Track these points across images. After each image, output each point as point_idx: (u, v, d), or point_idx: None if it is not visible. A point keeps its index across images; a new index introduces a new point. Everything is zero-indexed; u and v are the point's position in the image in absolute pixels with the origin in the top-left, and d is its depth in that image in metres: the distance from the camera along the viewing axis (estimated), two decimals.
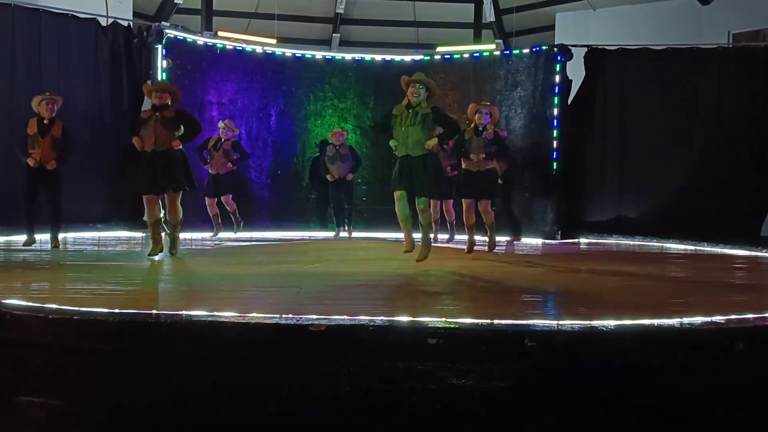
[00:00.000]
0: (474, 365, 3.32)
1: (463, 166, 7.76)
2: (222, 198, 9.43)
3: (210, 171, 9.28)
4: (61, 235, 8.11)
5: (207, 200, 9.41)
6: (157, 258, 6.90)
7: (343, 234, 10.12)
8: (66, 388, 3.49)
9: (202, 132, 7.50)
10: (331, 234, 10.30)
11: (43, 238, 8.13)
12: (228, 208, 9.49)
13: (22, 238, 8.07)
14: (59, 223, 7.93)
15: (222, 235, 9.67)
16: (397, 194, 6.34)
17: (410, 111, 6.24)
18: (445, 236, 9.72)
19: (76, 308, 3.81)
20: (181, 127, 6.91)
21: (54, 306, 3.87)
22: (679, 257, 8.71)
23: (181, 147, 6.92)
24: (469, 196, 7.69)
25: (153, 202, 6.94)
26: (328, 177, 9.97)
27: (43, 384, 3.51)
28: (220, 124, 9.52)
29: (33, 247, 7.95)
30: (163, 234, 7.20)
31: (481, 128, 7.66)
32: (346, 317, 3.66)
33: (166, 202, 7.04)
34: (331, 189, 10.08)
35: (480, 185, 7.61)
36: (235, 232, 9.64)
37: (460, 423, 3.33)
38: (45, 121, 7.64)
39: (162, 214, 7.31)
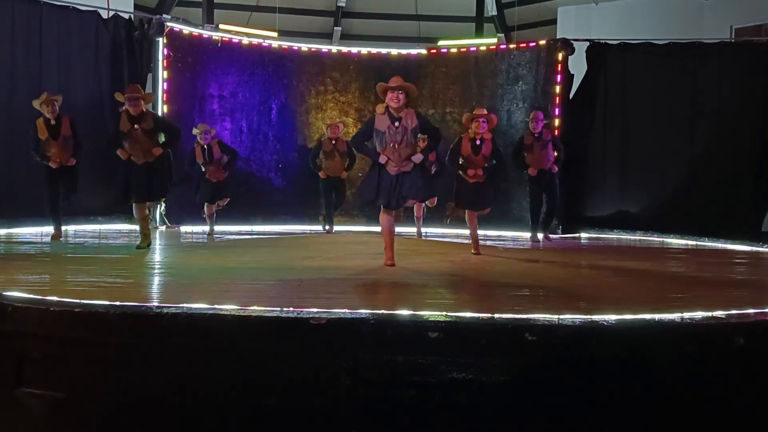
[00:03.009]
0: (474, 359, 3.33)
1: (460, 174, 7.49)
2: (220, 201, 9.27)
3: (210, 179, 8.97)
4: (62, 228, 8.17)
5: (206, 205, 9.23)
6: (147, 249, 7.13)
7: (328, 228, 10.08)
8: (66, 379, 3.50)
9: (182, 133, 7.76)
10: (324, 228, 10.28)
11: (46, 231, 8.19)
12: (216, 207, 9.29)
13: (25, 230, 8.13)
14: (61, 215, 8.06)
15: (218, 228, 9.60)
16: (385, 208, 6.18)
17: (397, 125, 5.99)
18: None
19: (77, 300, 3.82)
20: (162, 134, 7.14)
21: (55, 298, 3.89)
22: (680, 252, 8.72)
23: (162, 151, 7.10)
24: (468, 207, 7.53)
25: (143, 205, 7.26)
26: (320, 174, 9.90)
27: (44, 376, 3.52)
28: (195, 131, 9.09)
29: (34, 239, 8.00)
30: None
31: (479, 141, 7.38)
32: (347, 311, 3.67)
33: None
34: (323, 185, 10.01)
35: (477, 197, 7.43)
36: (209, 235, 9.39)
37: (460, 416, 3.34)
38: (52, 122, 7.64)
39: (149, 212, 7.52)
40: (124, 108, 7.04)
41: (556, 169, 9.05)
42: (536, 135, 8.94)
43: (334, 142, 9.85)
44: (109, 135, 7.33)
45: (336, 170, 9.85)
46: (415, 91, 6.26)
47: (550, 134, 9.21)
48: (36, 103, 7.73)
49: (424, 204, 9.09)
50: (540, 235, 9.26)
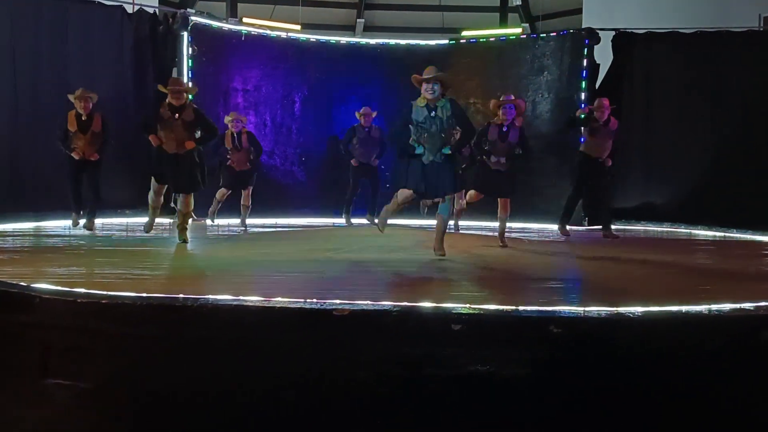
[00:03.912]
0: (498, 352, 3.31)
1: (483, 159, 7.44)
2: (243, 192, 9.30)
3: (233, 167, 9.01)
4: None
5: (223, 190, 9.21)
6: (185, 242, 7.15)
7: (363, 221, 10.07)
8: (93, 370, 3.54)
9: (218, 134, 7.84)
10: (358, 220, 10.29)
11: (69, 224, 8.32)
12: (243, 203, 9.34)
13: (52, 223, 8.37)
14: (96, 209, 8.18)
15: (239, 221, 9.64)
16: (409, 192, 6.20)
17: (433, 115, 6.04)
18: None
19: (104, 292, 3.86)
20: (198, 128, 7.14)
21: (82, 290, 3.93)
22: (707, 244, 8.60)
23: (194, 146, 7.11)
24: (489, 194, 7.46)
25: (161, 191, 7.27)
26: (353, 162, 9.93)
27: (70, 366, 3.57)
28: (227, 119, 9.12)
29: (62, 232, 8.15)
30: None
31: (506, 127, 7.31)
32: (370, 302, 3.67)
33: (180, 196, 7.24)
34: (354, 174, 10.02)
35: (500, 183, 7.35)
36: (240, 230, 9.38)
37: (483, 409, 3.32)
38: (83, 117, 7.77)
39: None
40: (168, 100, 7.06)
41: (610, 162, 8.60)
42: (602, 123, 8.49)
43: (367, 129, 9.89)
44: (143, 117, 7.33)
45: (367, 157, 9.87)
46: (450, 80, 6.28)
47: (617, 124, 8.67)
48: (71, 97, 7.88)
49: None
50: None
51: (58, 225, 8.74)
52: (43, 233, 8.20)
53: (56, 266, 5.38)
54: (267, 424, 3.41)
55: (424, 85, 6.07)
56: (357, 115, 10.05)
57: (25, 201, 8.88)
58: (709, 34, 9.94)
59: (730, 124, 9.78)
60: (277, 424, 3.40)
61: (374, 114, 10.04)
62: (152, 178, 7.20)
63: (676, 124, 10.04)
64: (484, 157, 7.39)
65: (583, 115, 8.82)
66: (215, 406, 3.43)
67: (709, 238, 9.11)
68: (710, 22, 10.34)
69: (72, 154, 7.83)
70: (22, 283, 4.11)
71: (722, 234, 9.27)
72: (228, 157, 9.01)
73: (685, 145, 9.93)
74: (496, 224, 7.80)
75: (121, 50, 9.86)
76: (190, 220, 9.77)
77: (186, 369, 3.47)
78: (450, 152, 6.12)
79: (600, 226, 8.96)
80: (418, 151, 6.09)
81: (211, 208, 9.34)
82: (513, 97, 7.70)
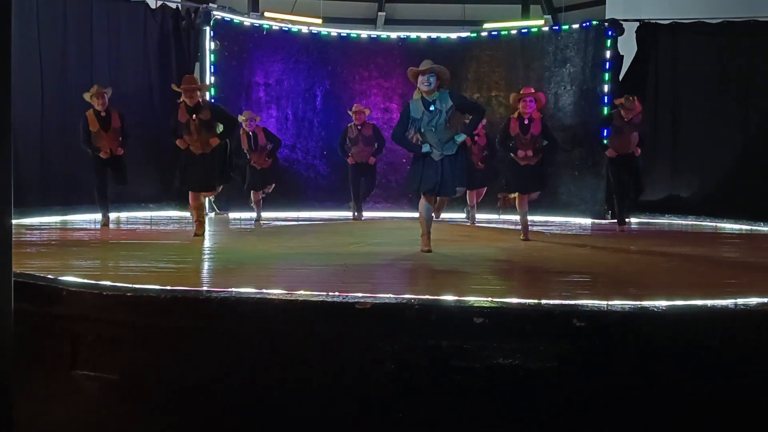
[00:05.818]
0: (520, 345, 3.30)
1: (511, 157, 7.38)
2: (265, 188, 9.32)
3: (254, 166, 9.06)
4: (113, 214, 8.42)
5: (252, 192, 9.32)
6: (202, 236, 7.17)
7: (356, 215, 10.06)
8: (119, 362, 3.59)
9: (238, 124, 7.96)
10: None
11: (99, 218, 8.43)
12: (262, 194, 9.35)
13: (78, 217, 8.57)
14: (107, 207, 8.27)
15: (264, 215, 9.69)
16: (425, 206, 6.11)
17: (431, 110, 5.87)
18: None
19: (129, 285, 3.90)
20: (218, 124, 7.16)
21: (108, 283, 3.99)
22: (734, 237, 8.49)
23: (219, 142, 7.12)
24: (520, 191, 7.39)
25: (197, 194, 7.31)
26: (348, 160, 9.88)
27: (98, 358, 3.62)
28: (240, 119, 8.98)
29: (87, 226, 8.26)
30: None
31: (527, 120, 7.23)
32: (392, 295, 3.67)
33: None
34: (351, 171, 9.96)
35: (529, 179, 7.29)
36: (254, 222, 9.42)
37: (505, 402, 3.32)
38: (102, 114, 7.84)
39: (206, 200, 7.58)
40: (181, 99, 7.08)
41: (639, 151, 8.45)
42: (626, 120, 8.32)
43: (359, 127, 9.81)
44: (169, 125, 7.37)
45: (363, 156, 9.82)
46: (446, 72, 6.04)
47: (641, 116, 8.54)
48: (87, 96, 7.94)
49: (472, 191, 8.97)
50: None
51: (84, 219, 8.86)
52: (69, 227, 8.31)
53: (83, 259, 5.46)
54: (290, 416, 3.43)
55: (420, 78, 5.87)
56: (350, 112, 9.97)
57: (52, 195, 9.01)
58: (737, 24, 9.78)
59: (758, 116, 9.63)
60: (300, 416, 3.42)
61: (367, 111, 9.96)
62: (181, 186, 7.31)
63: (702, 116, 9.91)
64: (512, 154, 7.34)
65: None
66: (239, 398, 3.46)
67: (736, 232, 8.99)
68: (738, 11, 10.17)
69: (99, 155, 7.89)
70: (49, 276, 4.18)
71: (749, 227, 9.15)
72: (248, 158, 9.02)
73: (711, 138, 9.80)
74: (516, 218, 7.77)
75: (145, 46, 9.95)
76: (212, 214, 9.92)
77: (210, 361, 3.50)
78: (463, 139, 5.98)
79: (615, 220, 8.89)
80: (425, 149, 5.96)
81: (255, 215, 9.37)
82: (533, 90, 7.63)
